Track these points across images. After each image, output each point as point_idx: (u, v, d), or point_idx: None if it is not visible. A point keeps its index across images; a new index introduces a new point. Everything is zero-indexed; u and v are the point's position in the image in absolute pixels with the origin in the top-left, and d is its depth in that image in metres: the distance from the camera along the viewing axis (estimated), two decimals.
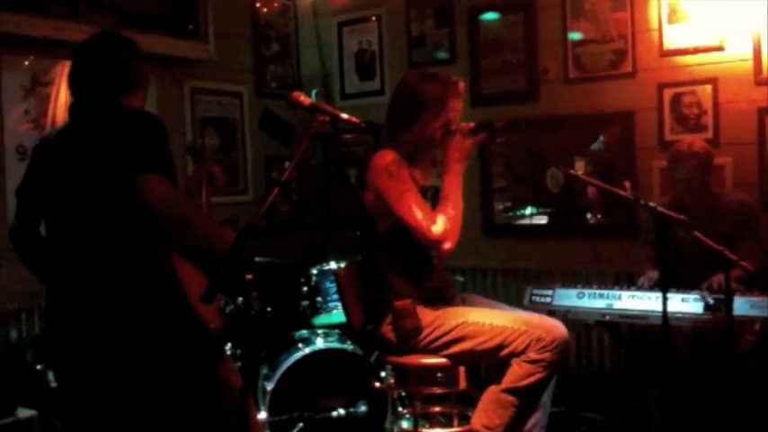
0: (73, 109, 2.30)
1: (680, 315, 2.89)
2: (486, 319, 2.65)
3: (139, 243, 2.18)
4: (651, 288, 3.19)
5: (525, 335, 2.57)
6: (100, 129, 2.17)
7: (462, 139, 2.72)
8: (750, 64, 3.73)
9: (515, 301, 3.18)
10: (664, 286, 2.44)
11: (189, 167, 3.82)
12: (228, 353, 3.52)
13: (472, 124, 2.75)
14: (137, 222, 2.14)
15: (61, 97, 3.65)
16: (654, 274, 3.37)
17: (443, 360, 2.70)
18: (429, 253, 2.75)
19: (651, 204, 2.52)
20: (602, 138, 4.17)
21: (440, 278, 2.85)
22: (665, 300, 2.38)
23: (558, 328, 2.60)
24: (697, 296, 2.92)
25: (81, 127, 2.24)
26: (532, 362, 2.54)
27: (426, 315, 2.70)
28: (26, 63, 3.60)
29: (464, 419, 2.92)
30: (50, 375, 3.10)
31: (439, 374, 2.84)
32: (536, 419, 2.69)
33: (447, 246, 2.63)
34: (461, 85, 2.79)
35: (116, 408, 2.17)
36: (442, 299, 2.80)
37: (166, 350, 2.17)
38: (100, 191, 2.14)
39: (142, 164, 2.07)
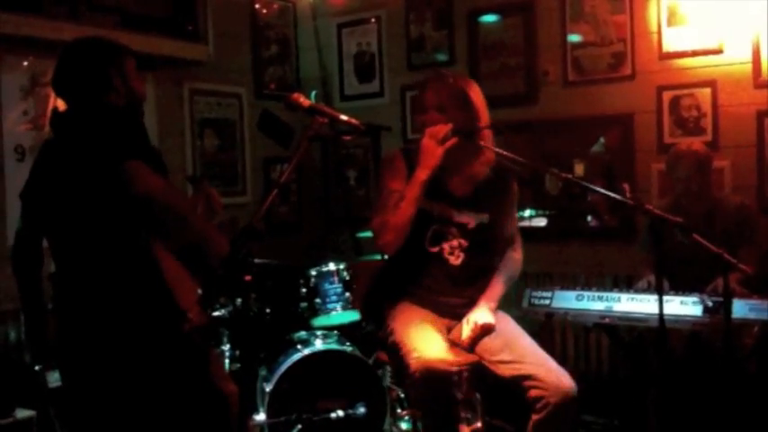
0: (55, 113, 2.36)
1: (679, 318, 2.89)
2: (404, 329, 2.61)
3: (130, 241, 2.21)
4: (650, 290, 3.19)
5: (408, 356, 2.47)
6: (82, 128, 2.23)
7: (434, 145, 2.58)
8: (749, 67, 3.74)
9: (515, 304, 3.17)
10: (659, 288, 2.43)
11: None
12: (225, 356, 3.51)
13: (445, 128, 2.59)
14: (128, 219, 2.17)
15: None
16: (653, 278, 3.36)
17: None
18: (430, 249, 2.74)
19: (648, 207, 2.51)
20: (602, 140, 4.18)
21: (444, 282, 2.76)
22: (661, 302, 2.37)
23: (427, 361, 2.40)
24: (696, 299, 2.92)
25: (66, 128, 2.30)
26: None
27: (391, 312, 2.73)
28: (25, 64, 3.60)
29: (463, 422, 2.91)
30: (49, 376, 3.09)
31: None
32: None
33: (377, 241, 2.65)
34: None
35: (109, 408, 2.20)
36: (432, 302, 2.76)
37: (155, 347, 2.20)
38: (88, 189, 2.18)
39: (123, 152, 2.12)
